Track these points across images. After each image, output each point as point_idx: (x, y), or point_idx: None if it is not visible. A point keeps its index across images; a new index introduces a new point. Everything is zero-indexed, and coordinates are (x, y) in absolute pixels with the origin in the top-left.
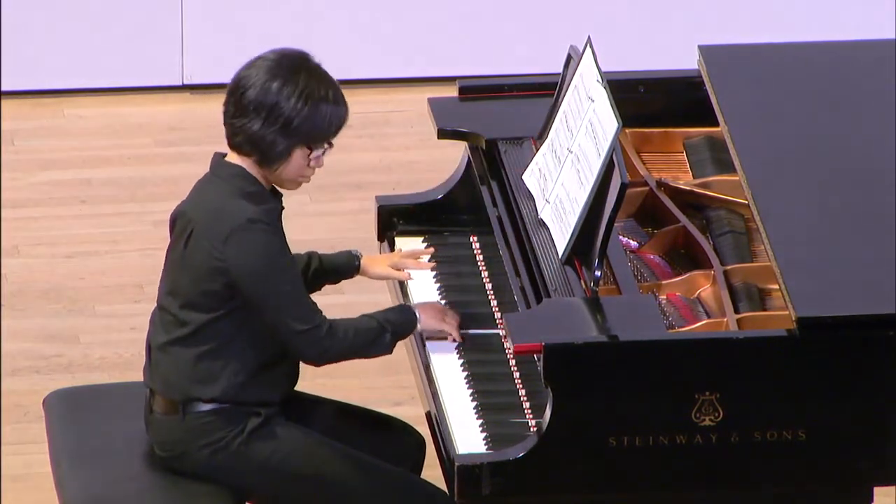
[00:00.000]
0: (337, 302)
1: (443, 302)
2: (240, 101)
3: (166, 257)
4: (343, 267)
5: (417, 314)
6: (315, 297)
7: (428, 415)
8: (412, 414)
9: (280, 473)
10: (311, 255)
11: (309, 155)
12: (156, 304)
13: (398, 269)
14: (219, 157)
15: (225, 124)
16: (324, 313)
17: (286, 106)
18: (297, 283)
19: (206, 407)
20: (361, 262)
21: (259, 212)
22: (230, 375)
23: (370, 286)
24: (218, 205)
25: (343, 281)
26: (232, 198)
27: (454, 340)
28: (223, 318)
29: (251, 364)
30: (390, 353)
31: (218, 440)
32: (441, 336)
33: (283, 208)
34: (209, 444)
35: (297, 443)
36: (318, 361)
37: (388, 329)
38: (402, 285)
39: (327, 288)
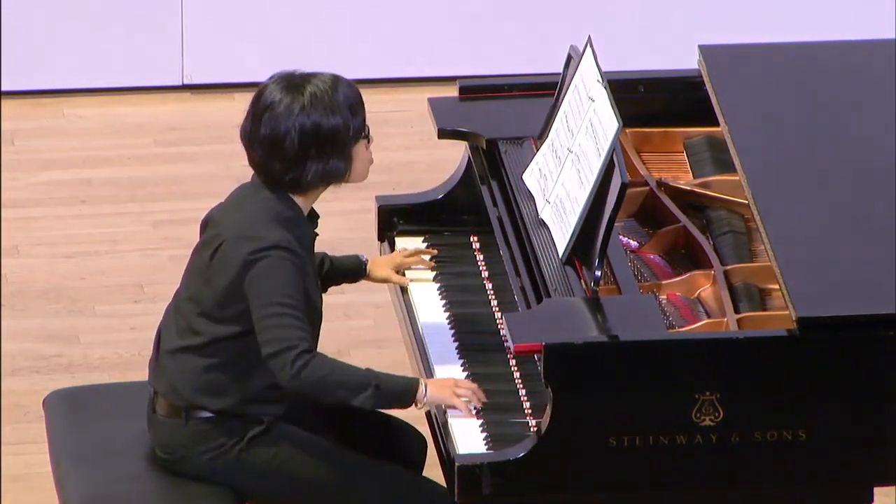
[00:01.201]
0: (337, 301)
1: (442, 302)
2: (284, 155)
3: (191, 257)
4: (351, 271)
5: (423, 384)
6: None
7: (428, 415)
8: (412, 414)
9: (280, 477)
10: (323, 258)
11: (366, 141)
12: (173, 301)
13: (399, 272)
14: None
15: (273, 179)
16: (308, 345)
17: (325, 125)
18: (283, 309)
19: (209, 415)
20: (367, 266)
21: (289, 238)
22: (237, 391)
23: (370, 287)
24: (250, 226)
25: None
26: (266, 220)
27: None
28: (238, 336)
29: (260, 382)
30: (370, 408)
31: (218, 446)
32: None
33: (317, 234)
34: (210, 449)
35: (297, 446)
36: (287, 385)
37: (374, 383)
38: (403, 288)
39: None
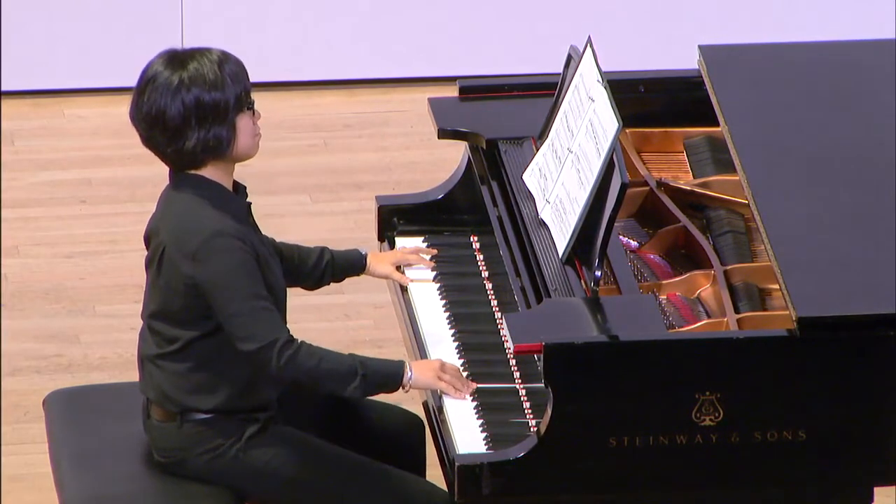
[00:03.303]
0: (337, 302)
1: (442, 302)
2: (165, 126)
3: (146, 273)
4: (353, 265)
5: (409, 369)
6: (316, 297)
7: (427, 414)
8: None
9: (278, 478)
10: (323, 250)
11: (251, 113)
12: (142, 321)
13: (400, 269)
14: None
15: (163, 156)
16: (288, 334)
17: (206, 98)
18: (251, 303)
19: (204, 416)
20: (367, 259)
21: (226, 221)
22: (226, 387)
23: (370, 287)
24: (184, 221)
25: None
26: (197, 209)
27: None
28: (212, 333)
29: (247, 374)
30: (360, 397)
31: (216, 447)
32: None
33: (249, 203)
34: (207, 451)
35: (295, 447)
36: (276, 375)
37: (361, 372)
38: (403, 287)
39: (328, 288)
